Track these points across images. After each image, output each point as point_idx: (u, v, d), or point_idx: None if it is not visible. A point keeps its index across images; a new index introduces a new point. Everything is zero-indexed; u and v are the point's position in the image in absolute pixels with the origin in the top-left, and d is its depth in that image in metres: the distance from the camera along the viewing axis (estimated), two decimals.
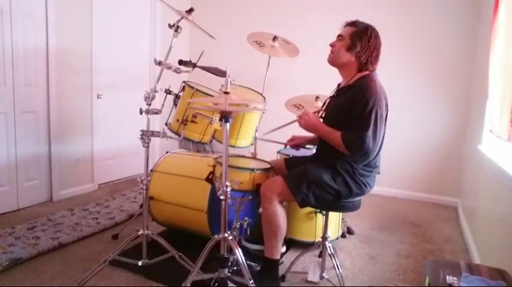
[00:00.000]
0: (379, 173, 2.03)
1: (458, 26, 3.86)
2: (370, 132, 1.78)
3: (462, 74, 3.89)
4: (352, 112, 1.84)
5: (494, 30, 2.34)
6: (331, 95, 2.12)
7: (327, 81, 2.30)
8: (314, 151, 2.26)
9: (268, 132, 2.20)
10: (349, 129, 1.84)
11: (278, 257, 1.99)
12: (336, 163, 1.91)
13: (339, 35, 1.99)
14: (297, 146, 2.34)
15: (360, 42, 1.91)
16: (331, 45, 2.01)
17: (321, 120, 2.07)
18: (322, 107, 2.17)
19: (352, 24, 1.97)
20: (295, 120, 2.05)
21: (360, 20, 1.99)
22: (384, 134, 1.91)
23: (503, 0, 2.21)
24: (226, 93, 1.77)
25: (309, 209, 2.40)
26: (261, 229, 2.00)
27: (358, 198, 1.99)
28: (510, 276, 1.46)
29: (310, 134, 2.23)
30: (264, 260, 2.00)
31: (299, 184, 1.89)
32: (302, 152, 2.50)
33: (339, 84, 2.10)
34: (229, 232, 1.91)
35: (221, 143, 2.01)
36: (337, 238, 2.83)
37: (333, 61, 2.02)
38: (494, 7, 2.35)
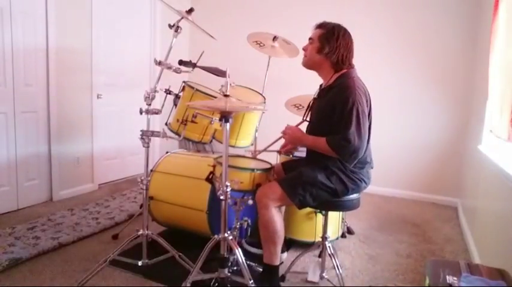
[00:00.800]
0: (372, 167, 2.04)
1: (458, 26, 3.86)
2: (353, 129, 1.79)
3: (462, 74, 3.89)
4: (334, 112, 1.86)
5: (494, 30, 2.34)
6: (314, 96, 2.15)
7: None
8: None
9: (260, 152, 2.25)
10: (333, 130, 1.86)
11: (277, 263, 1.98)
12: (327, 162, 1.92)
13: (310, 38, 2.03)
14: (290, 151, 2.37)
15: (327, 44, 1.94)
16: (303, 49, 2.06)
17: (307, 123, 2.12)
18: (307, 109, 2.18)
19: (320, 26, 2.00)
20: (280, 137, 2.10)
21: (327, 20, 2.01)
22: (370, 129, 1.92)
23: (503, 0, 2.21)
24: (226, 96, 1.77)
25: (308, 209, 2.40)
26: None
27: (355, 195, 2.00)
28: (510, 276, 1.46)
29: None
30: (263, 266, 2.00)
31: (295, 187, 1.89)
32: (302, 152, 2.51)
33: (320, 85, 2.12)
34: (229, 232, 1.91)
35: (221, 143, 2.01)
36: (337, 238, 2.83)
37: (306, 64, 2.06)
38: (494, 7, 2.35)
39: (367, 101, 1.90)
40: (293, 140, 2.05)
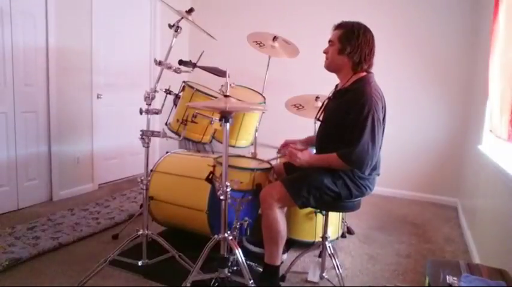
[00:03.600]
0: (378, 174, 2.03)
1: (459, 27, 3.86)
2: (366, 137, 1.78)
3: (462, 74, 3.89)
4: (349, 117, 1.84)
5: (494, 31, 2.34)
6: (329, 96, 2.13)
7: (327, 81, 2.30)
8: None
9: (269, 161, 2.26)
10: (344, 134, 1.85)
11: (278, 263, 1.98)
12: None
13: (329, 40, 2.00)
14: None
15: (349, 43, 1.91)
16: (324, 52, 2.03)
17: (319, 123, 2.11)
18: (320, 109, 2.17)
19: (339, 26, 1.98)
20: (279, 156, 2.08)
21: (346, 20, 1.99)
22: (382, 136, 1.92)
23: (503, 1, 2.21)
24: (226, 96, 1.77)
25: (309, 209, 2.40)
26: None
27: (357, 199, 2.00)
28: (510, 276, 1.46)
29: (302, 137, 2.24)
30: (264, 266, 2.00)
31: (299, 189, 1.88)
32: None
33: (336, 86, 2.11)
34: (229, 232, 1.91)
35: (221, 143, 2.01)
36: (337, 238, 2.83)
37: (329, 67, 2.03)
38: (494, 8, 2.35)
39: (382, 108, 1.88)
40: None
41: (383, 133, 1.93)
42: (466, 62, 3.85)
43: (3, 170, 3.07)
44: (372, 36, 1.95)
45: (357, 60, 1.91)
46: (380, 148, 1.92)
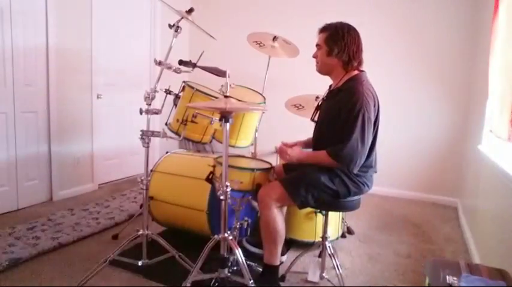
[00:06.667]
0: (375, 171, 2.04)
1: (459, 26, 3.86)
2: (356, 135, 1.80)
3: (462, 74, 3.89)
4: (340, 116, 1.86)
5: (494, 30, 2.34)
6: (323, 97, 2.15)
7: (326, 81, 2.30)
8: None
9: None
10: (337, 133, 1.86)
11: (277, 263, 1.98)
12: None
13: (317, 44, 2.03)
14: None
15: (335, 45, 1.93)
16: (313, 56, 2.05)
17: (315, 124, 2.12)
18: (316, 110, 2.19)
19: (324, 29, 2.00)
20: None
21: (329, 22, 2.00)
22: (375, 135, 1.94)
23: (503, 0, 2.21)
24: (226, 96, 1.77)
25: (309, 209, 2.40)
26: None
27: (356, 197, 2.00)
28: (510, 276, 1.46)
29: (302, 139, 2.26)
30: (263, 266, 2.00)
31: (297, 187, 1.89)
32: None
33: (330, 86, 2.12)
34: (229, 232, 1.91)
35: (221, 143, 2.01)
36: (337, 238, 2.83)
37: (320, 70, 2.06)
38: (494, 7, 2.35)
39: (374, 106, 1.89)
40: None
41: (376, 132, 1.94)
42: (466, 62, 3.85)
43: (3, 170, 3.07)
44: (357, 33, 1.97)
45: (346, 59, 1.94)
46: (374, 146, 1.94)
